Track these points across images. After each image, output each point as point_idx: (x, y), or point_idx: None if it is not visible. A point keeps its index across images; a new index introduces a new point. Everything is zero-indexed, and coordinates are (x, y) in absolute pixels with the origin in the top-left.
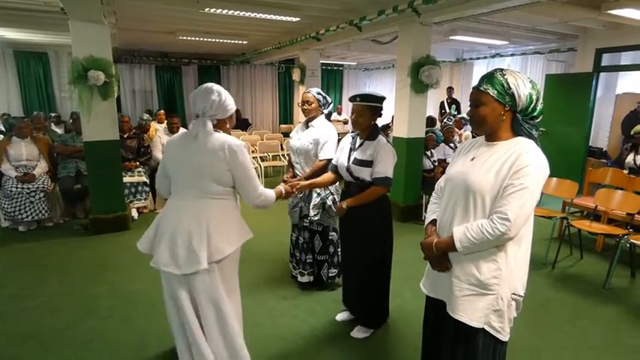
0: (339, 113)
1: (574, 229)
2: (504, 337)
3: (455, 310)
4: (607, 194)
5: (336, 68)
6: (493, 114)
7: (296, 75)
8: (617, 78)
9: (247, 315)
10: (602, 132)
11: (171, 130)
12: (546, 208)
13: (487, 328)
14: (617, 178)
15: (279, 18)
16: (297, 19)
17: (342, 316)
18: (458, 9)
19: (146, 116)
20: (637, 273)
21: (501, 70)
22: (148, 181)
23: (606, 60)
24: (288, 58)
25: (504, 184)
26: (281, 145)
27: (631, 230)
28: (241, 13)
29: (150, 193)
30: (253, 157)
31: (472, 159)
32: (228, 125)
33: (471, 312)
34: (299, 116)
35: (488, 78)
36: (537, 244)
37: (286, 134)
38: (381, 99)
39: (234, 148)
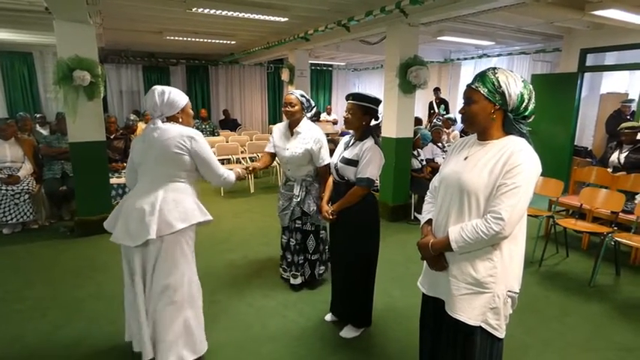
0: (329, 113)
1: (560, 227)
2: (501, 334)
3: (453, 309)
4: (591, 193)
5: (325, 68)
6: (484, 112)
7: (285, 75)
8: (601, 78)
9: (236, 315)
10: (587, 131)
11: None
12: (533, 207)
13: (484, 326)
14: (601, 177)
15: (267, 18)
16: (286, 19)
17: (331, 316)
18: (444, 10)
19: (133, 117)
20: (621, 270)
21: (494, 68)
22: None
23: (590, 60)
24: (277, 59)
25: (497, 183)
26: None
27: (615, 228)
28: (229, 13)
29: None
30: (242, 158)
31: (465, 158)
32: (181, 120)
33: (468, 310)
34: None
35: (481, 76)
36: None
37: None
38: (375, 100)
39: (192, 135)
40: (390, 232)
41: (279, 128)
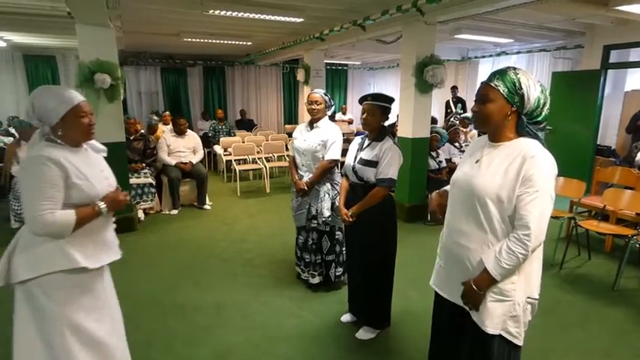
0: (344, 113)
1: (582, 229)
2: (520, 341)
3: (473, 315)
4: (615, 194)
5: (340, 68)
6: (500, 113)
7: (300, 75)
8: (625, 75)
9: (252, 315)
10: (611, 130)
11: (179, 131)
12: (554, 208)
13: (504, 334)
14: (626, 177)
15: (282, 19)
16: (301, 19)
17: (346, 317)
18: (462, 7)
19: (155, 117)
20: None
21: (514, 68)
22: (154, 183)
23: (614, 57)
24: (292, 59)
25: (517, 192)
26: (286, 145)
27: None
28: (245, 15)
29: (156, 195)
30: (258, 158)
31: (477, 161)
32: (61, 133)
33: (489, 319)
34: (304, 116)
35: (501, 74)
36: (545, 245)
37: (291, 134)
38: (391, 100)
39: (25, 161)
40: (406, 233)
41: (298, 129)
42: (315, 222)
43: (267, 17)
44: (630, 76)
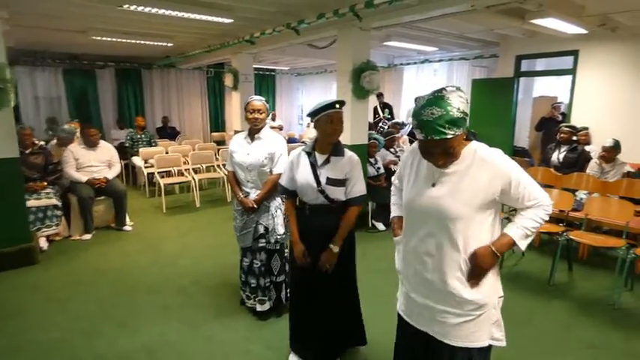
0: (274, 119)
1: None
2: (504, 342)
3: (455, 339)
4: None
5: (268, 73)
6: (460, 145)
7: (228, 80)
8: (533, 82)
9: (193, 354)
10: (523, 132)
11: (89, 142)
12: None
13: (492, 342)
14: (547, 177)
15: (210, 19)
16: (230, 20)
17: (295, 358)
18: (398, 14)
19: (67, 127)
20: (573, 265)
21: (442, 97)
22: (59, 204)
23: (525, 66)
24: (217, 62)
25: (512, 196)
26: (216, 155)
27: (565, 226)
28: (167, 12)
29: (62, 218)
30: (185, 170)
31: (433, 184)
32: None
33: (474, 336)
34: (232, 124)
35: (451, 121)
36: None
37: (219, 143)
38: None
39: None
40: None
41: (236, 140)
42: (264, 241)
43: (192, 16)
44: (537, 83)
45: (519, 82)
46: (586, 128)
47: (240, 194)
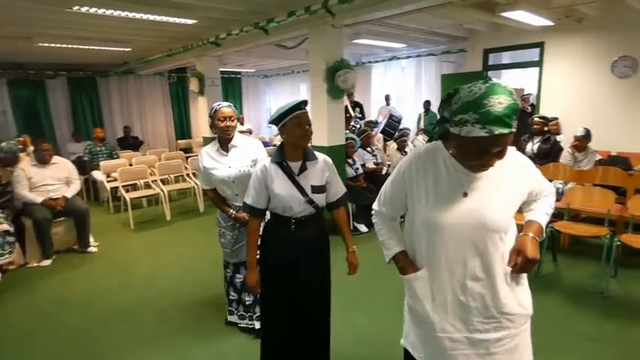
0: (242, 123)
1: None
2: None
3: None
4: None
5: (233, 76)
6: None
7: (194, 85)
8: (500, 76)
9: None
10: None
11: (42, 159)
12: None
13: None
14: None
15: (171, 20)
16: (194, 21)
17: None
18: (371, 10)
19: (6, 145)
20: (557, 255)
21: (505, 87)
22: (11, 229)
23: (492, 59)
24: (180, 67)
25: (532, 194)
26: (185, 164)
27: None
28: (123, 14)
29: (16, 244)
30: (153, 181)
31: (465, 194)
32: None
33: (528, 350)
34: (199, 130)
35: (517, 111)
36: None
37: (186, 150)
38: None
39: None
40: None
41: (208, 155)
42: (259, 251)
43: (152, 18)
44: (504, 76)
45: (488, 76)
46: (556, 118)
47: (232, 210)
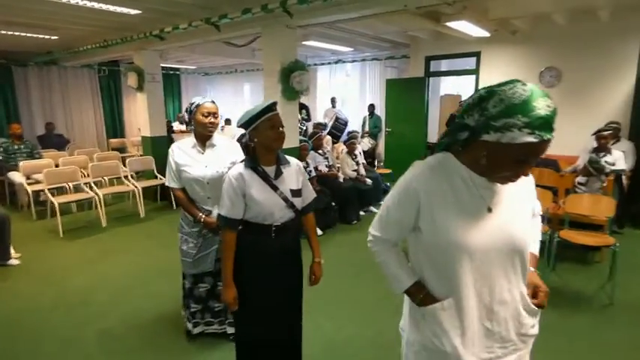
0: (182, 122)
1: None
2: None
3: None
4: None
5: (172, 72)
6: None
7: (132, 80)
8: (439, 82)
9: None
10: (433, 128)
11: None
12: None
13: None
14: None
15: (112, 9)
16: (138, 12)
17: None
18: (330, 12)
19: None
20: None
21: (527, 85)
22: None
23: (433, 66)
24: (112, 60)
25: (532, 209)
26: (123, 163)
27: None
28: None
29: None
30: (85, 184)
31: (489, 209)
32: None
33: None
34: (132, 129)
35: (556, 116)
36: None
37: (120, 150)
38: None
39: None
40: None
41: (182, 151)
42: None
43: (90, 4)
44: (443, 83)
45: (429, 82)
46: None
47: (201, 214)
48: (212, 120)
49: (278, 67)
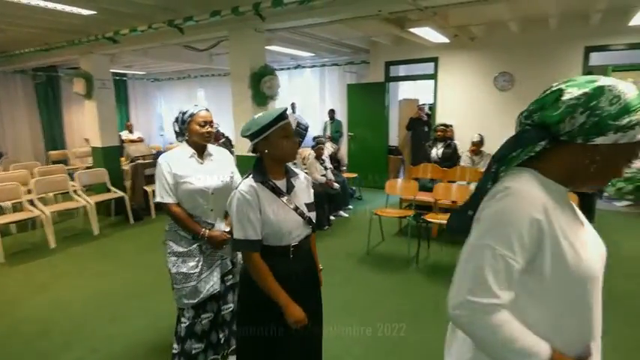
0: (131, 131)
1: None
2: None
3: None
4: (443, 188)
5: (118, 78)
6: None
7: (79, 86)
8: (397, 86)
9: None
10: (393, 132)
11: None
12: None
13: None
14: (435, 172)
15: (59, 8)
16: (91, 12)
17: None
18: (300, 17)
19: None
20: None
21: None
22: None
23: (392, 71)
24: (49, 65)
25: None
26: (71, 177)
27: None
28: None
29: None
30: (28, 201)
31: (582, 223)
32: None
33: None
34: (75, 140)
35: None
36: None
37: (61, 162)
38: None
39: None
40: None
41: (179, 161)
42: (230, 276)
43: (35, 3)
44: (401, 87)
45: (389, 87)
46: (450, 125)
47: (204, 229)
48: (209, 129)
49: (247, 72)
